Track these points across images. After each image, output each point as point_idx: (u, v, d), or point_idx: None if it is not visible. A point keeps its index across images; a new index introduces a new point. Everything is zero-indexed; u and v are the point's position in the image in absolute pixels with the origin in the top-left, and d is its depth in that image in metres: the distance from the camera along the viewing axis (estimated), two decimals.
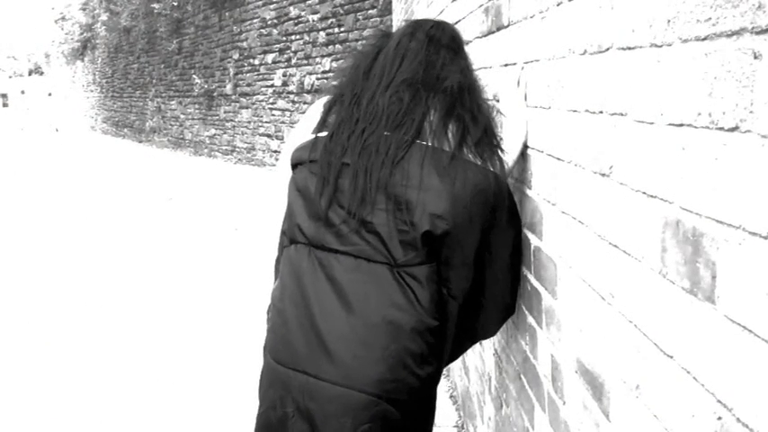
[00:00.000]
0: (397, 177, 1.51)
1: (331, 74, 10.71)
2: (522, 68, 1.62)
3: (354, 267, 1.55)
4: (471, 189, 1.51)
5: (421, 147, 1.53)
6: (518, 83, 1.64)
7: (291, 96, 12.12)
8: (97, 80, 26.07)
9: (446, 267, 1.54)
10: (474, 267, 1.56)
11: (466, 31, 2.16)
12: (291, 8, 11.86)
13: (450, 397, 3.18)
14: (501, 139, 1.64)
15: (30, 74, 62.10)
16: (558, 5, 1.27)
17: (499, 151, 1.60)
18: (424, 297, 1.51)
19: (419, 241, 1.50)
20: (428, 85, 1.60)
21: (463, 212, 1.50)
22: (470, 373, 2.67)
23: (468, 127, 1.56)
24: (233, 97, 14.52)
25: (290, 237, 1.63)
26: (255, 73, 13.41)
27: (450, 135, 1.55)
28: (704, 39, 0.74)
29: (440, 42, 1.69)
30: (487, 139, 1.58)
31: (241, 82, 14.06)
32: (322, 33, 10.95)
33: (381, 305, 1.52)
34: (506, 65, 1.74)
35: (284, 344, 1.58)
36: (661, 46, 0.85)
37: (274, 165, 12.79)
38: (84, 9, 25.10)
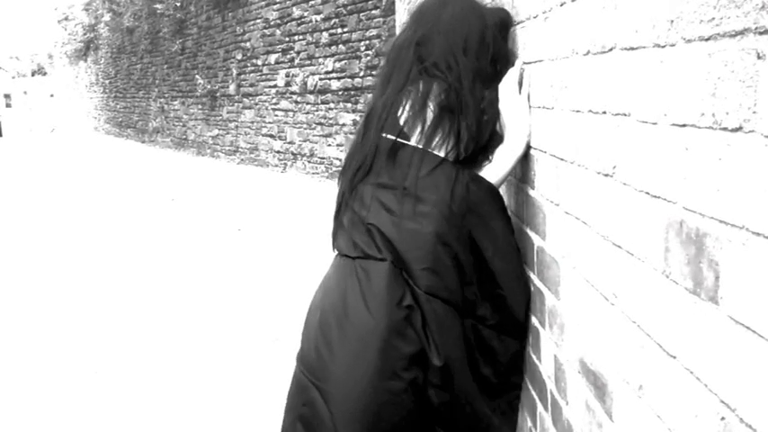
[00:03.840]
0: (369, 178, 1.62)
1: (334, 74, 10.72)
2: (522, 69, 1.61)
3: (335, 263, 1.70)
4: (425, 187, 1.54)
5: (387, 143, 1.59)
6: (519, 84, 1.61)
7: (294, 97, 12.13)
8: (100, 80, 26.11)
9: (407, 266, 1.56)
10: (456, 267, 1.53)
11: None
12: (294, 8, 11.87)
13: None
14: (497, 137, 1.63)
15: (33, 74, 62.26)
16: (561, 6, 1.27)
17: (490, 155, 1.60)
18: (371, 293, 1.53)
19: (374, 236, 1.56)
20: (411, 80, 1.62)
21: (413, 210, 1.53)
22: None
23: (452, 123, 1.56)
24: (236, 98, 14.54)
25: None
26: (258, 73, 13.42)
27: (424, 126, 1.57)
28: (707, 39, 0.74)
29: (425, 24, 1.67)
30: (473, 140, 1.57)
31: (244, 82, 14.08)
32: (325, 34, 10.96)
33: (335, 298, 1.62)
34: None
35: None
36: (664, 46, 0.85)
37: (277, 165, 12.81)
38: (87, 10, 25.15)
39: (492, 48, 1.63)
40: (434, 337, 1.53)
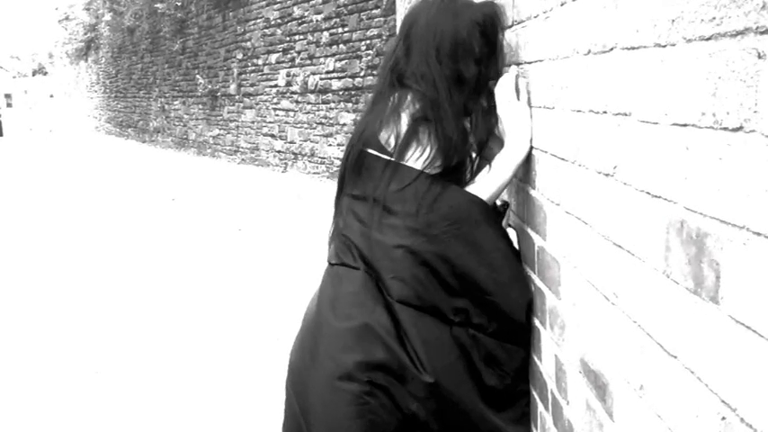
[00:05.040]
0: (346, 189, 1.64)
1: (335, 74, 10.72)
2: (519, 73, 1.57)
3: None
4: (394, 200, 1.53)
5: (356, 153, 1.60)
6: (517, 90, 1.56)
7: (295, 96, 12.13)
8: (101, 80, 26.11)
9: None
10: (433, 276, 1.51)
11: None
12: (295, 8, 11.87)
13: None
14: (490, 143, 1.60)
15: (33, 74, 62.31)
16: (561, 5, 1.27)
17: (490, 162, 1.56)
18: (339, 299, 1.57)
19: (349, 245, 1.59)
20: (385, 93, 1.61)
21: (380, 222, 1.53)
22: None
23: (429, 134, 1.52)
24: (237, 97, 14.54)
25: None
26: (259, 73, 13.42)
27: (398, 139, 1.54)
28: (708, 38, 0.74)
29: (403, 32, 1.63)
30: (455, 149, 1.52)
31: (245, 82, 14.08)
32: (326, 33, 10.96)
33: (313, 307, 1.67)
34: (510, 65, 1.74)
35: None
36: (665, 46, 0.85)
37: (278, 165, 12.81)
38: (87, 9, 25.15)
39: (471, 48, 1.56)
40: (416, 349, 1.49)
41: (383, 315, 1.51)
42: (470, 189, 1.56)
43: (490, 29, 1.60)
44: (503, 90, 1.56)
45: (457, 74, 1.55)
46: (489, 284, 1.52)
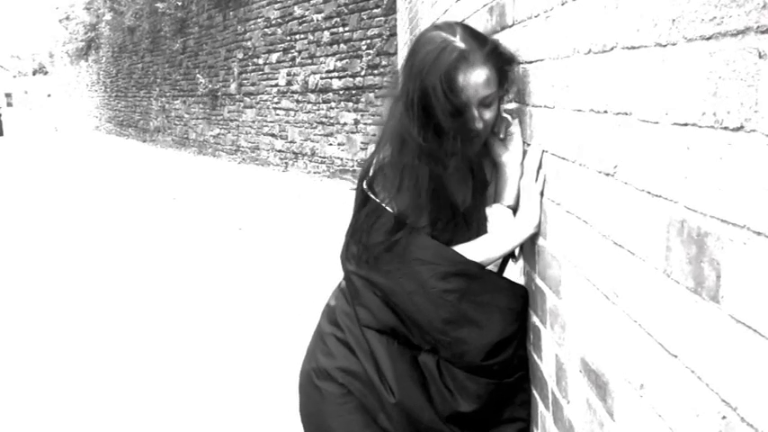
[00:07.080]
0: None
1: (335, 73, 10.73)
2: (542, 152, 1.50)
3: None
4: (359, 226, 1.59)
5: (363, 184, 1.62)
6: (536, 174, 1.50)
7: (295, 96, 12.13)
8: (101, 80, 26.13)
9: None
10: (394, 306, 1.53)
11: None
12: (296, 7, 11.87)
13: None
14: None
15: (34, 73, 62.35)
16: (562, 5, 1.27)
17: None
18: (335, 308, 1.65)
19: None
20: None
21: (347, 250, 1.63)
22: None
23: (388, 177, 1.53)
24: (237, 97, 14.55)
25: None
26: (259, 72, 13.43)
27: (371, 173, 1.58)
28: (709, 38, 0.74)
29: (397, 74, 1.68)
30: (411, 207, 1.50)
31: (245, 81, 14.08)
32: (326, 33, 10.97)
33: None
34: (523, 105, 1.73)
35: None
36: (666, 45, 0.85)
37: (278, 165, 12.81)
38: (88, 9, 25.18)
39: (420, 111, 1.45)
40: (385, 371, 1.52)
41: (361, 334, 1.57)
42: (461, 248, 1.53)
43: (450, 86, 1.43)
44: (527, 170, 1.53)
45: (412, 136, 1.47)
46: (440, 324, 1.50)
